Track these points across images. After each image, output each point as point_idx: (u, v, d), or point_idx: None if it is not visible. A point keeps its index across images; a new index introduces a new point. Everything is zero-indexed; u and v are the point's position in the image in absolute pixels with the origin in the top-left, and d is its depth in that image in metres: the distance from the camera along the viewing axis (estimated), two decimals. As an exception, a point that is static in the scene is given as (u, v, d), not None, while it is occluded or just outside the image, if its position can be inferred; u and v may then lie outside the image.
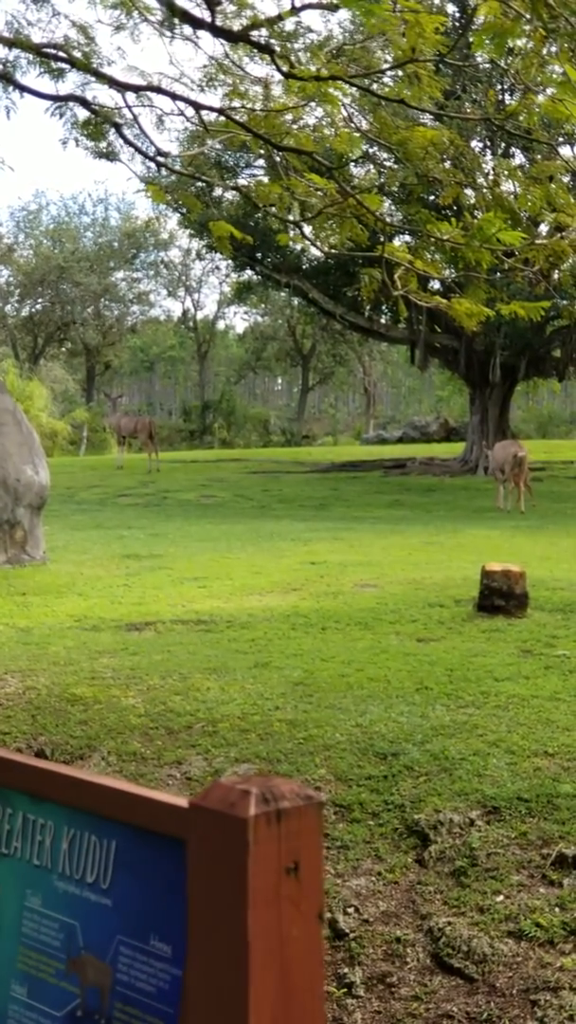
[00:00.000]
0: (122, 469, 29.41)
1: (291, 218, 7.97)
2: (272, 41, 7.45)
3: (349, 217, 7.26)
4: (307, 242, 8.87)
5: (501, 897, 4.37)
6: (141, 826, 1.35)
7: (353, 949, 4.23)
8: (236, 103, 7.87)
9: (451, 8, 22.74)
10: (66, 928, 1.46)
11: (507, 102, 16.93)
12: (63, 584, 11.08)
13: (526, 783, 5.11)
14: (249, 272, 31.69)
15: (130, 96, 7.85)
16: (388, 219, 11.18)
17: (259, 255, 28.14)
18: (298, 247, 23.73)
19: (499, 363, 28.65)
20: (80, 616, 9.28)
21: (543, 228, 10.33)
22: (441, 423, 45.86)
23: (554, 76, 6.63)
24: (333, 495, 23.74)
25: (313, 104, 7.61)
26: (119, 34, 7.76)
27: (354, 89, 7.39)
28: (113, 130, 8.23)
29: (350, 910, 4.42)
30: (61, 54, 7.60)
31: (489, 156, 23.36)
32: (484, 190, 8.00)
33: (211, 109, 7.82)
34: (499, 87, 19.71)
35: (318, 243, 8.76)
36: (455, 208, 9.13)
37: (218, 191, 22.31)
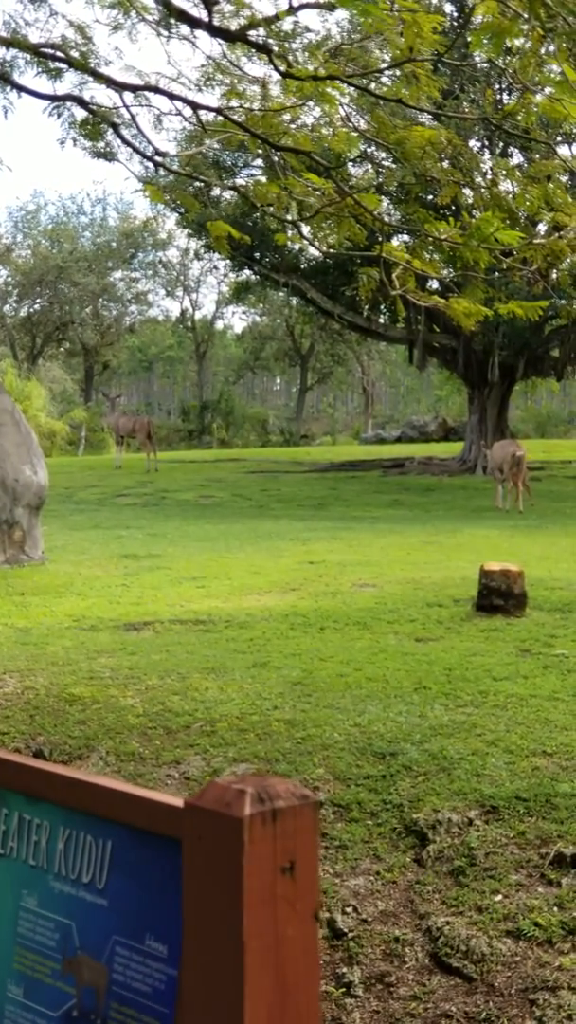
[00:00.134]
0: (120, 469, 29.40)
1: (289, 218, 7.97)
2: (270, 41, 7.44)
3: (347, 217, 7.26)
4: (305, 242, 8.87)
5: (500, 896, 4.37)
6: (137, 826, 1.35)
7: (352, 949, 4.23)
8: (234, 103, 7.87)
9: (449, 8, 22.74)
10: (62, 928, 1.46)
11: (505, 102, 16.93)
12: (61, 584, 11.07)
13: (524, 782, 5.11)
14: (247, 272, 31.69)
15: (128, 96, 7.85)
16: (386, 218, 11.18)
17: (257, 255, 28.14)
18: (296, 247, 23.74)
19: (497, 362, 28.66)
20: (78, 616, 9.27)
21: (541, 227, 10.34)
22: (440, 423, 45.87)
23: (552, 75, 6.63)
24: (332, 495, 23.74)
25: (311, 104, 7.61)
26: (116, 34, 7.76)
27: (352, 89, 7.39)
28: (111, 130, 8.23)
29: (348, 910, 4.42)
30: (58, 54, 7.59)
31: (487, 156, 23.37)
32: (482, 190, 8.00)
33: (209, 109, 7.81)
34: (497, 87, 19.71)
35: (316, 243, 8.76)
36: (453, 208, 9.13)
37: (216, 191, 22.32)
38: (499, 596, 8.76)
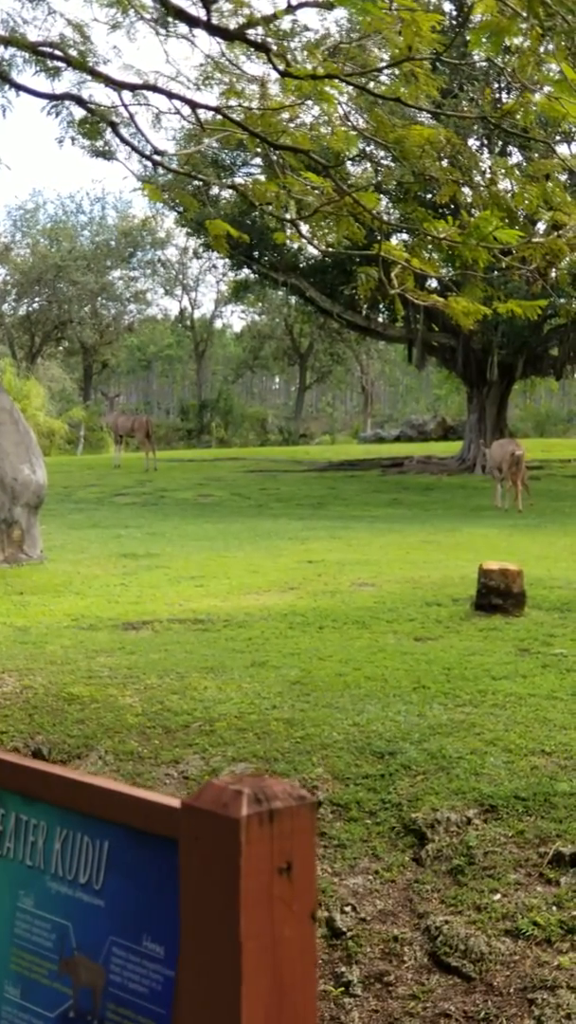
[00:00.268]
0: (119, 468, 29.40)
1: (288, 216, 7.96)
2: (268, 39, 7.43)
3: (346, 215, 7.26)
4: (304, 241, 8.87)
5: (498, 896, 4.37)
6: (134, 826, 1.34)
7: (350, 948, 4.23)
8: (232, 102, 7.86)
9: (448, 6, 22.74)
10: (59, 929, 1.45)
11: (504, 100, 16.92)
12: (60, 583, 11.07)
13: (523, 782, 5.11)
14: (246, 271, 31.68)
15: (126, 95, 7.84)
16: (385, 217, 11.18)
17: (256, 254, 28.13)
18: (295, 246, 23.74)
19: (497, 362, 28.66)
20: (77, 615, 9.27)
21: (540, 226, 10.33)
22: (439, 422, 45.87)
23: (551, 74, 6.62)
24: (331, 494, 23.74)
25: (310, 102, 7.60)
26: (115, 32, 7.75)
27: (350, 88, 7.38)
28: (109, 129, 8.22)
29: (347, 909, 4.42)
30: (57, 52, 7.59)
31: (486, 154, 23.36)
32: (481, 188, 8.00)
33: (207, 108, 7.81)
34: (496, 85, 19.71)
35: (315, 241, 8.76)
36: (452, 206, 9.13)
37: (215, 190, 22.33)
38: (498, 595, 8.76)
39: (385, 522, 17.89)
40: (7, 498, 12.31)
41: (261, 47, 7.26)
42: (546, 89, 6.65)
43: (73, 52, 7.57)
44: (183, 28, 7.59)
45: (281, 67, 6.99)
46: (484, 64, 13.44)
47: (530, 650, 7.61)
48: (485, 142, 24.99)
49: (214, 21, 7.21)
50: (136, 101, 8.12)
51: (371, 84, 7.61)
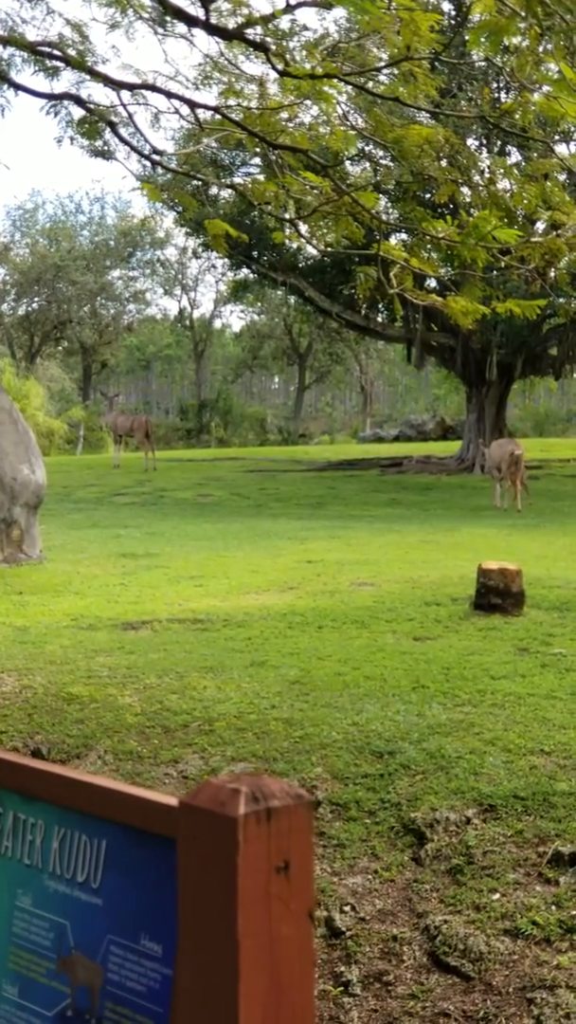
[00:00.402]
0: (119, 468, 29.39)
1: (287, 216, 7.97)
2: (267, 39, 7.43)
3: (344, 215, 7.26)
4: (303, 240, 8.87)
5: (497, 895, 4.37)
6: (131, 825, 1.34)
7: (350, 947, 4.23)
8: (231, 101, 7.86)
9: (446, 6, 22.74)
10: (56, 927, 1.45)
11: (502, 100, 16.92)
12: (60, 583, 11.07)
13: (522, 781, 5.11)
14: (245, 270, 31.68)
15: (125, 94, 7.84)
16: (384, 217, 11.18)
17: (255, 253, 28.13)
18: (294, 245, 23.74)
19: (496, 361, 28.66)
20: (77, 615, 9.27)
21: (539, 226, 10.33)
22: (438, 421, 45.86)
23: (549, 74, 6.62)
24: (330, 494, 23.74)
25: (308, 102, 7.60)
26: (114, 32, 7.76)
27: (349, 87, 7.38)
28: (108, 128, 8.22)
29: (346, 908, 4.42)
30: (56, 52, 7.59)
31: (485, 154, 23.36)
32: (480, 188, 8.00)
33: (206, 107, 7.81)
34: (495, 85, 19.71)
35: (314, 241, 8.76)
36: (451, 206, 9.14)
37: (214, 189, 22.34)
38: (497, 595, 8.76)
39: (384, 522, 17.89)
40: (6, 498, 12.31)
41: (260, 46, 7.26)
42: (545, 88, 6.66)
43: (72, 52, 7.57)
44: (182, 27, 7.59)
45: (280, 67, 6.99)
46: (483, 64, 13.44)
47: (529, 650, 7.61)
48: (484, 142, 24.99)
49: (213, 20, 7.22)
50: (135, 101, 8.13)
51: (370, 84, 7.61)
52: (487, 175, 8.28)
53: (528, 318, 7.85)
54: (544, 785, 5.07)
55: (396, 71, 7.11)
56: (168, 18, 7.52)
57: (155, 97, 8.05)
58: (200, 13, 7.17)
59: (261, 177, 9.58)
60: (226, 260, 30.67)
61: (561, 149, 21.13)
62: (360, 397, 68.64)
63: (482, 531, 15.95)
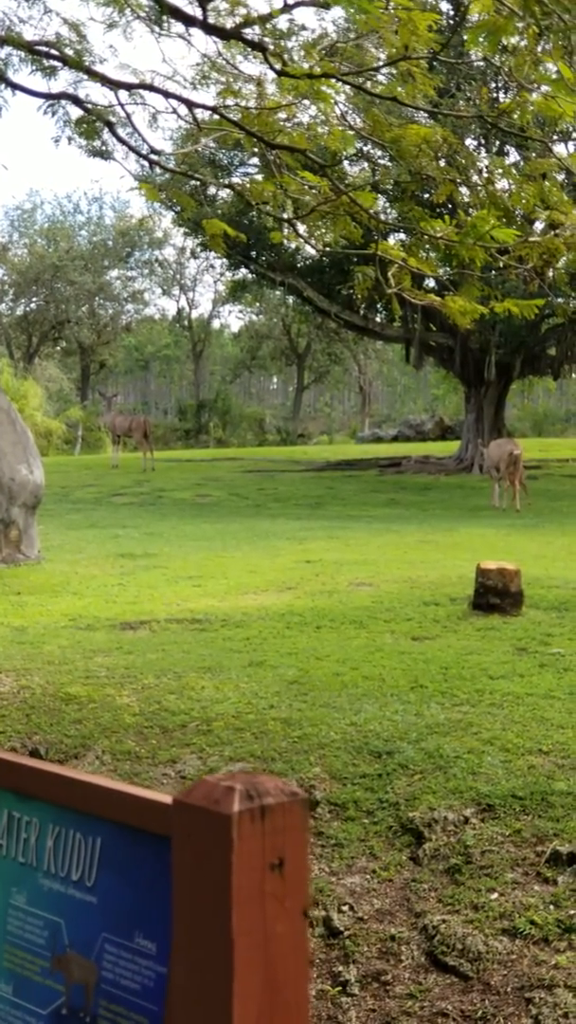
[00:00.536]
0: (117, 468, 29.39)
1: (285, 216, 7.96)
2: (265, 39, 7.43)
3: (343, 215, 7.26)
4: (301, 240, 8.86)
5: (496, 895, 4.37)
6: (126, 823, 1.34)
7: (348, 947, 4.23)
8: (229, 101, 7.86)
9: (444, 6, 22.73)
10: (51, 926, 1.45)
11: (501, 100, 16.92)
12: (58, 583, 11.06)
13: (520, 781, 5.11)
14: (244, 270, 31.68)
15: (123, 94, 7.84)
16: (382, 217, 11.18)
17: (253, 253, 28.13)
18: (292, 245, 23.73)
19: (494, 361, 28.67)
20: (75, 615, 9.27)
21: (537, 226, 10.33)
22: (436, 422, 45.87)
23: (547, 74, 6.62)
24: (328, 494, 23.74)
25: (306, 102, 7.60)
26: (111, 32, 7.75)
27: (347, 87, 7.38)
28: (106, 128, 8.22)
29: (344, 908, 4.42)
30: (53, 52, 7.58)
31: (483, 154, 23.36)
32: (478, 188, 8.00)
33: (204, 107, 7.81)
34: (493, 85, 19.72)
35: (312, 241, 8.75)
36: (449, 206, 9.13)
37: (212, 189, 22.33)
38: (496, 595, 8.76)
39: (383, 522, 17.89)
40: (4, 498, 12.30)
41: (258, 46, 7.26)
42: (543, 88, 6.66)
43: (69, 51, 7.57)
44: (179, 27, 7.58)
45: (278, 66, 6.99)
46: (481, 63, 13.43)
47: (528, 649, 7.61)
48: (482, 141, 24.99)
49: (210, 20, 7.21)
50: (133, 100, 8.13)
51: (368, 83, 7.61)
52: (485, 175, 8.28)
53: (526, 318, 7.86)
54: (542, 785, 5.06)
55: (394, 71, 7.11)
56: (165, 18, 7.51)
57: (153, 97, 8.06)
58: (198, 13, 7.17)
59: (259, 177, 9.58)
60: (224, 260, 30.68)
61: (559, 149, 21.14)
62: (359, 397, 68.65)
63: (481, 531, 15.95)
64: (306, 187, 7.36)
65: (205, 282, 78.08)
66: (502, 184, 8.21)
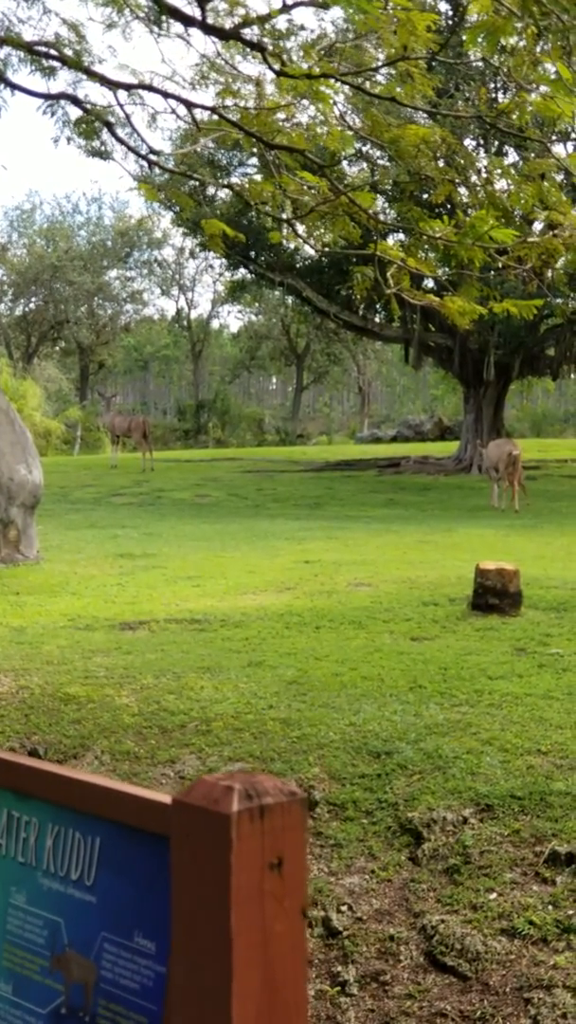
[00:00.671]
0: (116, 468, 29.39)
1: (284, 216, 7.97)
2: (264, 39, 7.44)
3: (341, 215, 7.26)
4: (300, 240, 8.87)
5: (494, 895, 4.37)
6: (125, 823, 1.34)
7: (347, 947, 4.23)
8: (228, 101, 7.87)
9: (443, 6, 22.74)
10: (50, 925, 1.45)
11: (500, 100, 16.93)
12: (57, 583, 11.06)
13: (519, 781, 5.11)
14: (243, 271, 31.68)
15: (122, 94, 7.84)
16: (381, 217, 11.18)
17: (252, 254, 28.13)
18: (291, 245, 23.74)
19: (493, 362, 28.67)
20: (74, 615, 9.27)
21: (536, 226, 10.33)
22: (435, 422, 45.88)
23: (546, 74, 6.63)
24: (327, 494, 23.74)
25: (305, 102, 7.61)
26: (110, 32, 7.77)
27: (346, 87, 7.38)
28: (105, 128, 8.22)
29: (343, 908, 4.42)
30: (52, 52, 7.59)
31: (482, 154, 23.37)
32: (477, 188, 8.00)
33: (203, 107, 7.81)
34: (492, 85, 19.73)
35: (311, 241, 8.76)
36: (448, 206, 9.13)
37: (211, 189, 22.33)
38: (494, 595, 8.76)
39: (382, 522, 17.90)
40: (3, 498, 12.30)
41: (257, 47, 7.27)
42: (542, 88, 6.66)
43: (68, 51, 7.58)
44: (178, 27, 7.59)
45: (277, 67, 6.99)
46: (480, 64, 13.45)
47: (526, 650, 7.61)
48: (481, 142, 25.00)
49: (209, 20, 7.22)
50: (132, 101, 8.14)
51: (367, 84, 7.61)
52: (484, 175, 8.29)
53: (525, 318, 7.85)
54: (541, 785, 5.07)
55: (393, 71, 7.11)
56: (165, 18, 7.52)
57: (152, 97, 8.06)
58: (197, 13, 7.17)
59: (258, 177, 9.59)
60: (223, 260, 30.70)
61: (558, 149, 21.15)
62: (358, 397, 68.65)
63: (479, 531, 15.95)
64: (305, 187, 7.37)
65: (204, 282, 78.05)
66: (501, 184, 8.21)
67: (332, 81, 6.94)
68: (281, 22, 8.11)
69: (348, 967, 4.13)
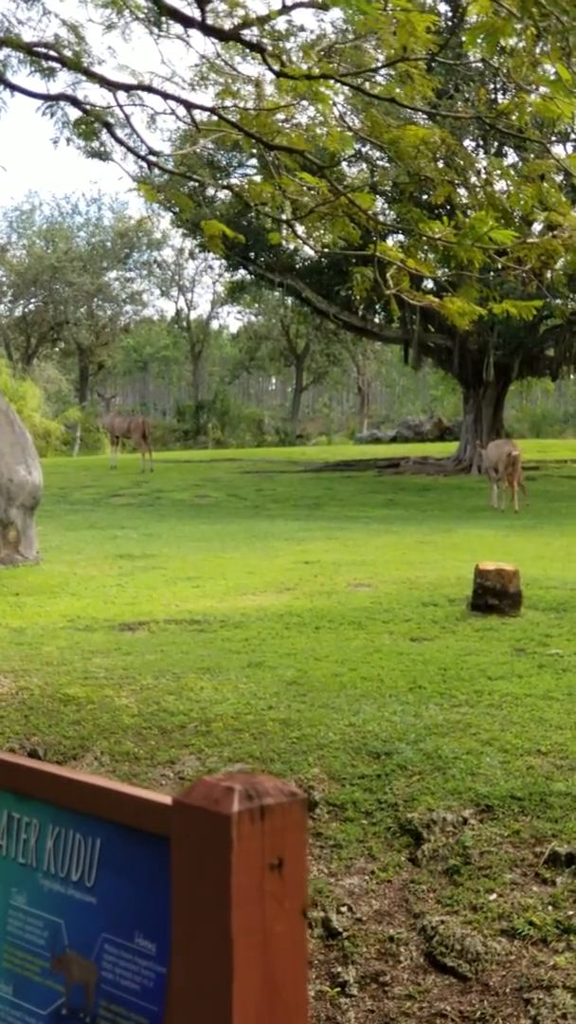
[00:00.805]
0: (116, 469, 29.38)
1: (283, 217, 7.97)
2: (263, 40, 7.44)
3: (341, 216, 7.26)
4: (300, 241, 8.87)
5: (494, 896, 4.37)
6: (125, 824, 1.35)
7: (346, 948, 4.23)
8: (228, 102, 7.87)
9: (443, 7, 22.75)
10: (51, 926, 1.45)
11: (499, 101, 16.94)
12: (56, 584, 11.06)
13: (519, 781, 5.11)
14: (242, 271, 31.68)
15: (121, 95, 7.84)
16: (380, 218, 11.18)
17: (252, 254, 28.14)
18: (291, 246, 23.73)
19: (493, 362, 28.68)
20: (73, 616, 9.27)
21: (536, 227, 10.34)
22: (435, 422, 45.89)
23: (546, 75, 6.63)
24: (327, 494, 23.75)
25: (305, 103, 7.61)
26: (110, 33, 7.77)
27: (346, 88, 7.39)
28: (105, 129, 8.22)
29: (343, 909, 4.42)
30: (52, 53, 7.59)
31: (482, 155, 23.38)
32: (476, 189, 8.00)
33: (203, 108, 7.81)
34: (491, 86, 19.74)
35: (311, 242, 8.75)
36: (448, 207, 9.13)
37: (210, 190, 22.32)
38: (494, 596, 8.76)
39: (381, 523, 17.90)
40: (3, 499, 12.30)
41: (256, 47, 7.27)
42: (541, 89, 6.66)
43: (68, 52, 7.58)
44: (178, 28, 7.59)
45: (276, 67, 6.99)
46: (479, 64, 13.45)
47: (526, 650, 7.62)
48: (480, 143, 25.01)
49: (209, 21, 7.22)
50: (131, 102, 8.14)
51: (366, 84, 7.62)
52: (484, 176, 8.29)
53: (525, 319, 7.85)
54: (541, 785, 5.07)
55: (393, 72, 7.11)
56: (164, 19, 7.52)
57: (151, 98, 8.07)
58: (196, 14, 7.18)
59: (257, 178, 9.59)
60: (223, 261, 30.70)
61: (558, 150, 21.17)
62: (357, 398, 68.66)
63: (479, 532, 15.95)
64: (305, 188, 7.37)
65: (204, 283, 78.03)
66: (500, 185, 8.21)
67: (332, 82, 6.94)
68: (281, 23, 8.12)
69: (348, 968, 4.13)
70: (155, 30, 7.73)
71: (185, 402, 62.76)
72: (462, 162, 8.16)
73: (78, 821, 1.43)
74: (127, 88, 7.77)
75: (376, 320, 30.58)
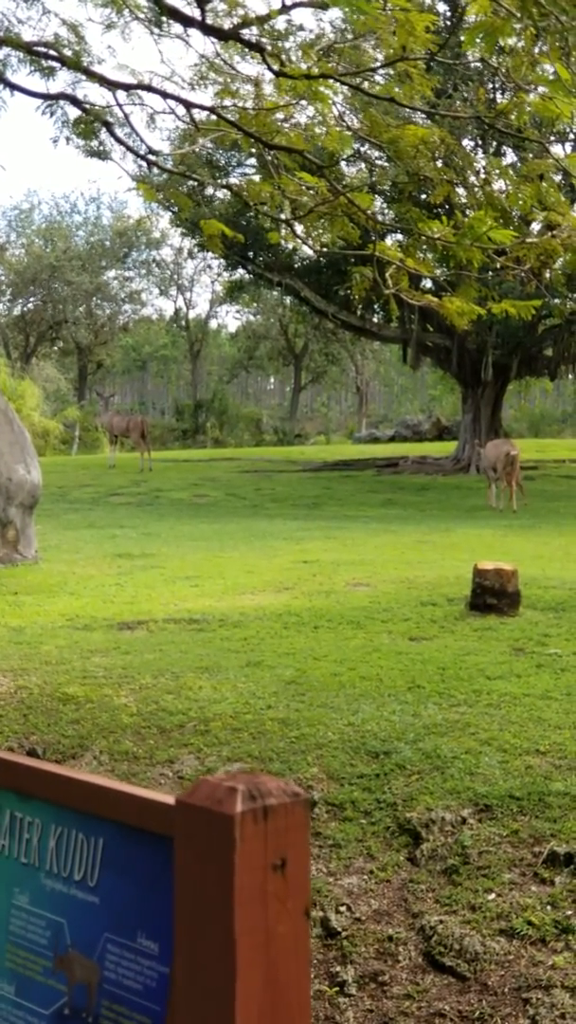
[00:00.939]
0: (114, 468, 29.38)
1: (282, 217, 7.97)
2: (263, 39, 7.44)
3: (340, 215, 7.26)
4: (299, 241, 8.87)
5: (493, 895, 4.38)
6: (128, 824, 1.35)
7: (345, 948, 4.23)
8: (227, 102, 7.87)
9: (442, 7, 22.75)
10: (53, 926, 1.46)
11: (498, 101, 16.94)
12: (55, 583, 11.06)
13: (518, 781, 5.12)
14: (241, 271, 31.68)
15: (121, 95, 7.84)
16: (379, 218, 11.18)
17: (251, 254, 28.13)
18: (290, 246, 23.72)
19: (491, 362, 28.68)
20: (72, 615, 9.27)
21: (534, 227, 10.34)
22: (433, 422, 45.88)
23: (545, 74, 6.63)
24: (326, 494, 23.75)
25: (304, 102, 7.61)
26: (109, 32, 7.77)
27: (345, 87, 7.39)
28: (104, 129, 8.22)
29: (342, 908, 4.42)
30: (51, 52, 7.59)
31: (480, 155, 23.38)
32: (475, 189, 8.00)
33: (202, 108, 7.81)
34: (490, 86, 19.74)
35: (309, 242, 8.75)
36: (446, 207, 9.12)
37: (209, 190, 22.32)
38: (493, 595, 8.76)
39: (380, 522, 17.90)
40: (2, 498, 12.30)
41: (255, 47, 7.27)
42: (540, 89, 6.66)
43: (68, 52, 7.58)
44: (178, 28, 7.59)
45: (276, 67, 6.99)
46: (478, 64, 13.45)
47: (525, 650, 7.62)
48: (479, 142, 25.01)
49: (208, 21, 7.22)
50: (131, 101, 8.14)
51: (365, 84, 7.61)
52: (483, 176, 8.29)
53: (523, 319, 7.86)
54: (540, 785, 5.07)
55: (392, 71, 7.12)
56: (164, 18, 7.52)
57: (151, 97, 8.06)
58: (196, 13, 7.18)
59: (257, 177, 9.59)
60: (222, 260, 30.70)
61: (556, 150, 21.17)
62: (356, 397, 68.67)
63: (478, 531, 15.96)
64: (304, 187, 7.37)
65: (202, 282, 78.08)
66: (499, 185, 8.21)
67: (331, 81, 6.94)
68: (280, 23, 8.13)
69: (347, 967, 4.13)
70: (155, 30, 7.73)
71: (184, 401, 62.75)
72: (461, 162, 8.16)
73: (80, 821, 1.43)
74: (127, 87, 7.77)
75: (375, 319, 30.58)
